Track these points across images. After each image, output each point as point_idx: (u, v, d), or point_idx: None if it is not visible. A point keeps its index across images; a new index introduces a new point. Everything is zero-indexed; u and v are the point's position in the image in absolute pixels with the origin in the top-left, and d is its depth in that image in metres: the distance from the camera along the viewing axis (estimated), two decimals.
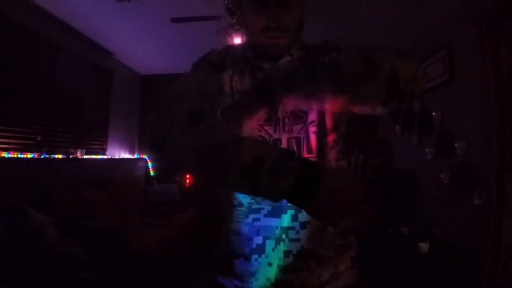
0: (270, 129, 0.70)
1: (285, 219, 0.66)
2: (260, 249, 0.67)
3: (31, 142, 2.48)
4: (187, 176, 4.19)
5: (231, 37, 2.35)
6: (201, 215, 3.76)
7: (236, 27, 2.33)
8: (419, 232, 2.40)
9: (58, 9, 2.56)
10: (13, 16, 2.25)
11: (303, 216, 0.66)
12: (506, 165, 1.84)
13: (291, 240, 0.66)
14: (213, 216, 3.69)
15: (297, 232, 0.66)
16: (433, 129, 2.68)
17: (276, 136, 0.69)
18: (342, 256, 0.71)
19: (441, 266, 2.13)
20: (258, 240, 0.68)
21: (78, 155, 2.96)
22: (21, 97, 2.42)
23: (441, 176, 2.47)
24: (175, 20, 2.36)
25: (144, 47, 3.48)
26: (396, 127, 3.50)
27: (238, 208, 0.71)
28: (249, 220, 0.69)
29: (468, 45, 2.19)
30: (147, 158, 4.35)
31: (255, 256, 0.68)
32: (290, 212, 0.66)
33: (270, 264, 0.66)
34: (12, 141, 2.29)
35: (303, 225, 0.66)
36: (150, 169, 4.32)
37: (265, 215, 0.68)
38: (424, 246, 2.19)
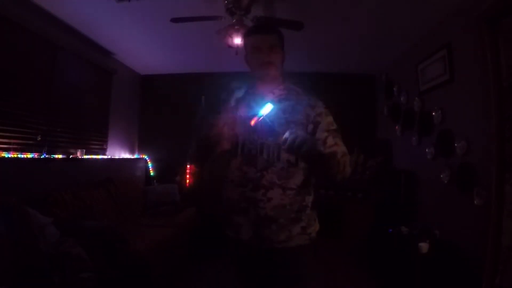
0: (255, 138, 1.10)
1: (258, 194, 1.05)
2: (245, 210, 1.07)
3: (31, 142, 2.49)
4: (187, 176, 4.20)
5: (231, 37, 2.35)
6: (201, 215, 3.76)
7: (236, 27, 2.33)
8: (419, 232, 2.40)
9: (58, 9, 2.56)
10: (13, 16, 2.25)
11: (271, 193, 1.04)
12: (506, 165, 1.84)
13: (262, 208, 1.04)
14: (213, 216, 3.69)
15: (264, 203, 1.04)
16: (433, 129, 2.68)
17: (258, 141, 1.09)
18: (294, 225, 1.07)
19: (441, 266, 2.13)
20: (244, 204, 1.07)
21: (78, 155, 2.96)
22: (21, 97, 2.42)
23: (441, 176, 2.47)
24: (175, 20, 2.36)
25: (144, 47, 3.48)
26: (396, 127, 3.50)
27: (232, 183, 1.12)
28: (239, 191, 1.09)
29: (468, 45, 2.19)
30: (147, 158, 4.35)
31: (241, 214, 1.08)
32: (262, 190, 1.05)
33: (249, 220, 1.06)
34: (12, 141, 2.29)
35: (269, 199, 1.04)
36: (150, 169, 4.32)
37: (250, 190, 1.06)
38: (424, 246, 2.19)
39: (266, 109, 0.95)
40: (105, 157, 3.54)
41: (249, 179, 1.06)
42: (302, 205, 1.09)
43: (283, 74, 1.18)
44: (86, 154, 3.08)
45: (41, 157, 2.50)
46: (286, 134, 0.88)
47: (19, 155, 2.30)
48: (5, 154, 2.18)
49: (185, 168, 4.20)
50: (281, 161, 1.06)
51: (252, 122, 0.97)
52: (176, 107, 4.36)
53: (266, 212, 1.03)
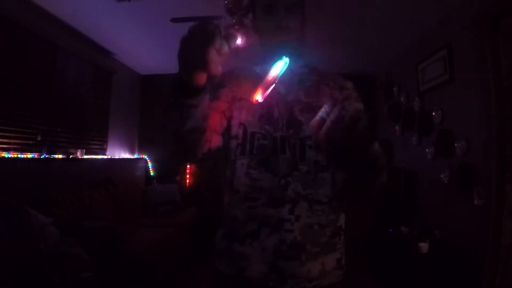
0: (270, 128, 0.80)
1: (283, 211, 0.73)
2: (254, 235, 0.74)
3: (31, 142, 2.48)
4: (187, 176, 4.20)
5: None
6: (201, 215, 3.76)
7: (236, 27, 2.33)
8: (419, 232, 2.40)
9: (58, 9, 2.56)
10: (13, 16, 2.25)
11: (298, 209, 0.74)
12: (506, 165, 1.84)
13: (286, 231, 0.72)
14: (213, 216, 3.69)
15: (292, 224, 0.73)
16: (433, 129, 2.68)
17: (275, 134, 0.79)
18: (327, 255, 0.76)
19: (441, 266, 2.13)
20: (253, 226, 0.75)
21: (78, 155, 2.96)
22: (21, 97, 2.42)
23: (441, 176, 2.47)
24: (175, 20, 2.36)
25: (144, 47, 3.48)
26: (396, 127, 3.50)
27: (235, 195, 0.79)
28: (245, 206, 0.77)
29: (468, 45, 2.19)
30: (147, 158, 4.35)
31: (248, 240, 0.75)
32: (288, 205, 0.73)
33: (263, 249, 0.73)
34: (12, 141, 2.29)
35: (297, 218, 0.73)
36: (150, 169, 4.32)
37: (262, 205, 0.75)
38: (424, 246, 2.19)
39: (278, 68, 0.61)
40: (105, 157, 3.54)
41: (262, 190, 0.75)
42: (337, 227, 0.80)
43: (303, 45, 0.87)
44: (86, 154, 3.08)
45: (41, 157, 2.50)
46: (321, 112, 0.56)
47: (19, 155, 2.30)
48: (5, 154, 2.18)
49: (185, 168, 4.20)
50: (306, 162, 0.76)
51: (257, 97, 0.60)
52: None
53: (294, 237, 0.72)
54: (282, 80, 0.77)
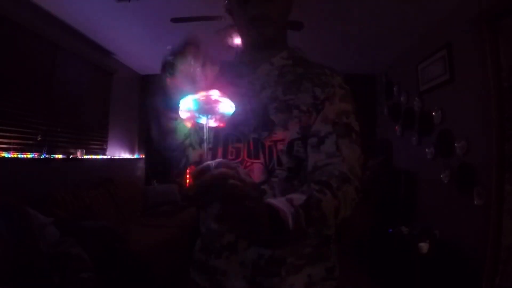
0: (244, 129, 0.70)
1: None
2: (232, 247, 0.67)
3: (31, 142, 2.48)
4: (187, 176, 4.19)
5: (231, 37, 2.35)
6: (201, 215, 3.75)
7: (236, 27, 2.33)
8: (419, 232, 2.40)
9: (58, 9, 2.56)
10: (13, 16, 2.25)
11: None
12: (506, 165, 1.84)
13: (264, 247, 0.64)
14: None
15: None
16: (433, 129, 2.68)
17: (250, 136, 0.70)
18: (315, 266, 0.68)
19: (441, 266, 2.13)
20: (231, 237, 0.67)
21: (78, 155, 2.96)
22: (21, 97, 2.42)
23: (441, 176, 2.47)
24: (175, 20, 2.36)
25: (144, 47, 3.47)
26: (396, 127, 3.50)
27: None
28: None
29: (468, 45, 2.19)
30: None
31: (226, 253, 0.68)
32: None
33: (242, 264, 0.65)
34: (12, 141, 2.29)
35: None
36: (150, 169, 4.32)
37: None
38: (424, 246, 2.19)
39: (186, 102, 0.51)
40: (105, 157, 3.54)
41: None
42: (323, 236, 0.71)
43: (286, 35, 0.78)
44: (86, 154, 3.08)
45: (41, 157, 2.50)
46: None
47: (19, 155, 2.30)
48: (5, 154, 2.18)
49: (185, 168, 4.19)
50: (284, 167, 0.66)
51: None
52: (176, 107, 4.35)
53: (273, 251, 0.65)
54: (258, 74, 0.73)
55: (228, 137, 0.70)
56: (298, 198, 0.52)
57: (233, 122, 0.67)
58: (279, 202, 0.50)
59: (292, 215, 0.48)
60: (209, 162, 0.44)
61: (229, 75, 0.74)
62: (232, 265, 0.67)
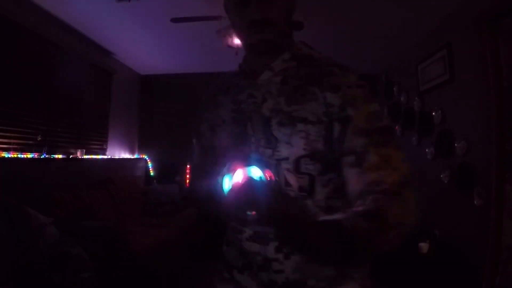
0: (246, 150, 0.67)
1: (269, 250, 0.61)
2: (249, 266, 0.64)
3: (31, 142, 2.48)
4: (187, 176, 4.19)
5: (231, 37, 2.35)
6: (201, 215, 3.75)
7: None
8: (419, 232, 2.40)
9: (58, 9, 2.56)
10: (13, 16, 2.25)
11: (288, 247, 0.60)
12: (506, 165, 1.84)
13: (275, 272, 0.61)
14: (213, 216, 3.68)
15: (281, 263, 0.60)
16: (433, 129, 2.68)
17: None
18: (342, 285, 0.62)
19: (441, 266, 2.13)
20: (245, 259, 0.65)
21: (78, 155, 2.96)
22: (21, 97, 2.42)
23: (441, 176, 2.47)
24: (175, 20, 2.36)
25: (144, 47, 3.47)
26: (396, 127, 3.50)
27: (227, 224, 0.71)
28: (234, 238, 0.68)
29: (468, 45, 2.19)
30: (147, 158, 4.35)
31: (247, 271, 0.65)
32: (274, 244, 0.61)
33: (262, 284, 0.63)
34: (12, 141, 2.29)
35: (288, 255, 0.60)
36: (150, 169, 4.32)
37: (247, 239, 0.64)
38: (424, 246, 2.19)
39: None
40: (105, 157, 3.54)
41: (245, 222, 0.62)
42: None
43: (291, 38, 0.71)
44: (86, 154, 3.08)
45: (41, 157, 2.50)
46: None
47: (19, 155, 2.30)
48: (5, 154, 2.18)
49: (185, 168, 4.20)
50: (291, 189, 0.61)
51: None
52: (176, 107, 4.36)
53: (286, 278, 0.60)
54: (259, 84, 0.66)
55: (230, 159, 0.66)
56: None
57: (236, 143, 0.65)
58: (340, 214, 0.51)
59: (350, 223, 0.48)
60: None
61: (230, 91, 0.71)
62: (254, 283, 0.63)
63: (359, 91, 0.60)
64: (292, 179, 0.60)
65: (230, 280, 0.68)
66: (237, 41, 2.35)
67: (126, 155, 4.08)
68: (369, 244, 0.49)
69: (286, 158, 0.60)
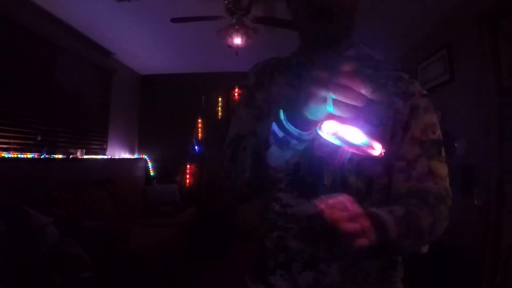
0: None
1: (319, 251, 0.60)
2: (285, 267, 0.62)
3: (31, 142, 2.48)
4: (187, 176, 4.20)
5: (231, 37, 2.35)
6: (201, 215, 3.76)
7: (236, 27, 2.33)
8: None
9: (58, 9, 2.56)
10: (13, 16, 2.25)
11: (336, 249, 0.59)
12: (506, 165, 1.84)
13: (321, 272, 0.59)
14: (213, 216, 3.69)
15: (329, 266, 0.59)
16: None
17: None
18: None
19: (441, 266, 2.13)
20: (283, 257, 0.63)
21: (78, 155, 2.96)
22: (21, 97, 2.42)
23: None
24: (175, 20, 2.36)
25: (144, 47, 3.48)
26: None
27: (265, 221, 0.69)
28: (274, 235, 0.65)
29: (468, 45, 2.19)
30: (147, 158, 4.35)
31: (280, 272, 0.63)
32: (323, 244, 0.60)
33: (296, 286, 0.61)
34: (12, 141, 2.29)
35: (335, 258, 0.59)
36: (150, 169, 4.32)
37: (294, 237, 0.62)
38: (424, 246, 2.19)
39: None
40: (105, 157, 3.54)
41: (292, 218, 0.62)
42: (386, 262, 0.64)
43: (352, 33, 0.67)
44: (86, 154, 3.08)
45: (41, 157, 2.50)
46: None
47: (19, 155, 2.30)
48: (5, 154, 2.18)
49: (185, 168, 4.20)
50: (347, 189, 0.59)
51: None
52: (176, 107, 4.36)
53: (331, 279, 0.59)
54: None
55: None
56: (399, 209, 0.51)
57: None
58: (380, 211, 0.48)
59: (394, 223, 0.47)
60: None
61: (289, 75, 0.67)
62: (287, 284, 0.62)
63: (423, 101, 0.61)
64: (352, 181, 0.60)
65: (263, 281, 0.66)
66: (237, 41, 2.35)
67: (126, 155, 4.08)
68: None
69: (350, 159, 0.59)
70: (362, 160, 0.58)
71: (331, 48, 0.64)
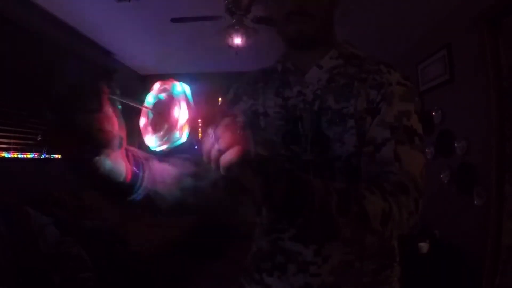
0: (296, 149, 0.63)
1: (308, 253, 0.60)
2: (282, 268, 0.63)
3: (31, 142, 2.48)
4: None
5: (231, 37, 2.35)
6: (201, 215, 3.75)
7: (236, 27, 2.33)
8: (419, 232, 2.40)
9: (58, 9, 2.56)
10: (13, 16, 2.25)
11: (328, 249, 0.59)
12: (506, 165, 1.84)
13: (311, 275, 0.60)
14: (213, 216, 3.69)
15: (319, 267, 0.59)
16: (433, 129, 2.68)
17: (304, 157, 0.63)
18: None
19: (441, 266, 2.13)
20: (280, 259, 0.63)
21: None
22: (21, 97, 2.42)
23: (441, 176, 2.47)
24: (175, 20, 2.36)
25: (144, 47, 3.48)
26: None
27: (261, 224, 0.69)
28: (271, 238, 0.65)
29: (468, 45, 2.19)
30: None
31: (277, 273, 0.63)
32: (312, 246, 0.60)
33: (291, 285, 0.62)
34: (12, 141, 2.29)
35: (326, 259, 0.59)
36: None
37: (290, 238, 0.62)
38: (424, 246, 2.19)
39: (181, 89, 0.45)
40: None
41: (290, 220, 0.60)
42: (385, 254, 0.67)
43: (333, 32, 0.68)
44: None
45: (41, 157, 2.50)
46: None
47: (19, 155, 2.30)
48: (5, 154, 2.18)
49: None
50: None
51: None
52: None
53: (322, 280, 0.59)
54: (308, 81, 0.64)
55: (279, 156, 0.62)
56: (339, 185, 0.48)
57: (285, 142, 0.62)
58: (313, 180, 0.44)
59: (323, 188, 0.43)
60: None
61: (275, 83, 0.68)
62: (284, 285, 0.62)
63: (399, 89, 0.59)
64: (341, 179, 0.59)
65: (259, 282, 0.66)
66: (237, 41, 2.35)
67: None
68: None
69: (339, 157, 0.59)
70: (349, 157, 0.59)
71: (309, 49, 0.64)
